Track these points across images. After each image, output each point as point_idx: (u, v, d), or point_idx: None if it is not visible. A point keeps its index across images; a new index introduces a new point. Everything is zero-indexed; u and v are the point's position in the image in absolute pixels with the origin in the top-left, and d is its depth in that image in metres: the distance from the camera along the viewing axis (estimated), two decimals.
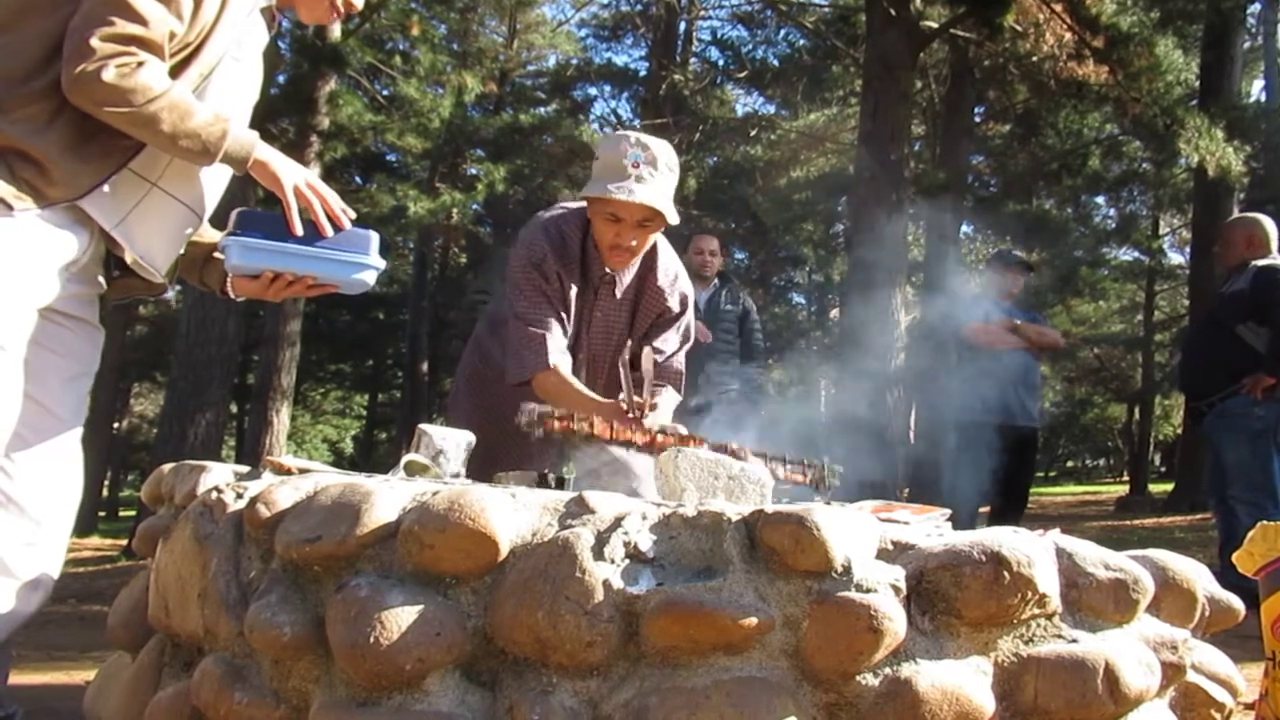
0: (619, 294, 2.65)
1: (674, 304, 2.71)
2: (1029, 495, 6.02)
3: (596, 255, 2.59)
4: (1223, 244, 4.86)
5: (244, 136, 1.76)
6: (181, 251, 1.89)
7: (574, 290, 2.58)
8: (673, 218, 2.49)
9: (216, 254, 1.97)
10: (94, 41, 1.62)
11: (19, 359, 1.68)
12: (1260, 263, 4.54)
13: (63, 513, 1.82)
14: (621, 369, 2.46)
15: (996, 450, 5.03)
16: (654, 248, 2.66)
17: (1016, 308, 5.53)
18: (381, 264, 1.93)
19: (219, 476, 1.84)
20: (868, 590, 1.38)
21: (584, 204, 2.61)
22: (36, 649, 1.87)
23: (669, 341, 2.73)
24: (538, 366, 2.47)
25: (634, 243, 2.51)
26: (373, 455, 24.09)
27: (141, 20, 1.66)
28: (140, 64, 1.65)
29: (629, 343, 2.72)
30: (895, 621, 1.38)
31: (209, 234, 2.00)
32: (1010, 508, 5.25)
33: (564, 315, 2.56)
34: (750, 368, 5.00)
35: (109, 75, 1.62)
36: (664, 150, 2.50)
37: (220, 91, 1.80)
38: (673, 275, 2.71)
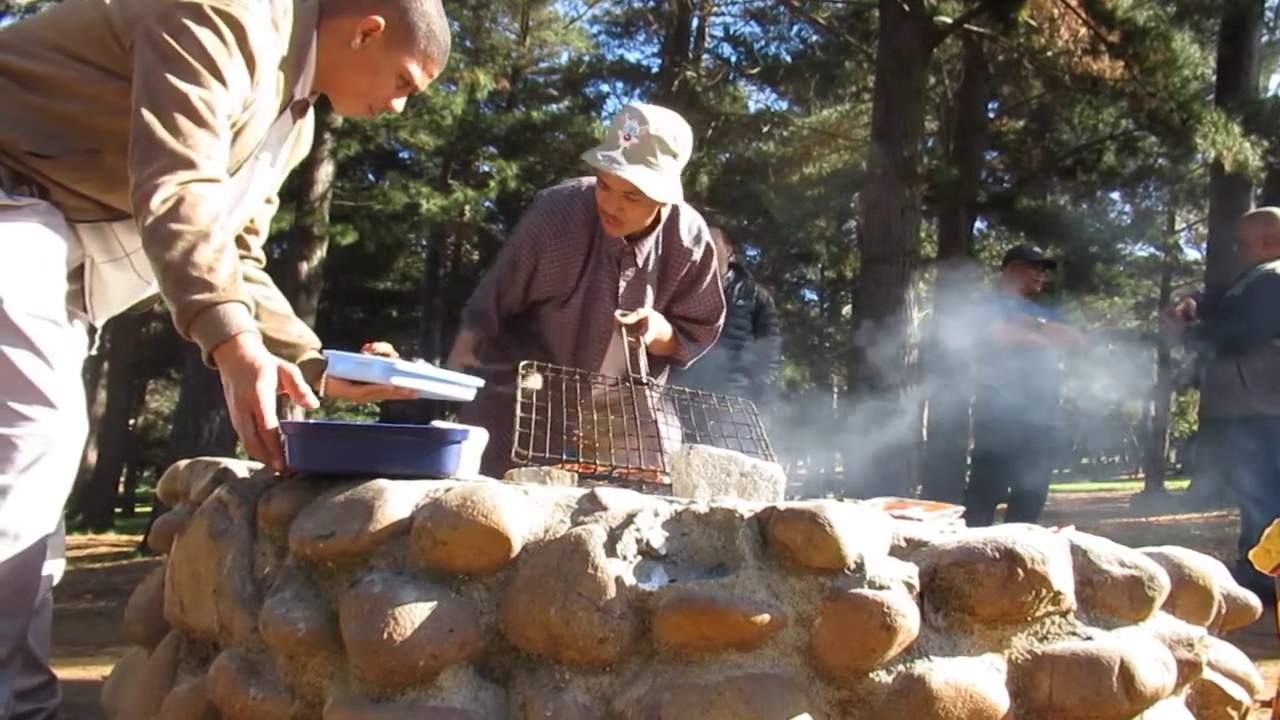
0: (640, 262, 2.71)
1: (698, 256, 2.78)
2: (1047, 493, 5.98)
3: None
4: (1240, 245, 4.67)
5: None
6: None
7: (581, 262, 2.67)
8: (655, 194, 2.44)
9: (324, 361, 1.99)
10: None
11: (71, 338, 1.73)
12: (1265, 267, 4.44)
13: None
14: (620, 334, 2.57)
15: (1017, 448, 5.00)
16: (674, 210, 2.71)
17: (1038, 305, 5.48)
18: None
19: (233, 473, 1.85)
20: (880, 587, 1.38)
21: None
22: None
23: (705, 300, 2.83)
24: (480, 330, 2.73)
25: (619, 212, 2.53)
26: None
27: None
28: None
29: (652, 303, 2.77)
30: (908, 618, 1.37)
31: (291, 334, 2.01)
32: (1027, 505, 5.23)
33: (524, 292, 2.71)
34: (767, 362, 4.97)
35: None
36: (668, 126, 2.47)
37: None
38: (695, 231, 2.77)
